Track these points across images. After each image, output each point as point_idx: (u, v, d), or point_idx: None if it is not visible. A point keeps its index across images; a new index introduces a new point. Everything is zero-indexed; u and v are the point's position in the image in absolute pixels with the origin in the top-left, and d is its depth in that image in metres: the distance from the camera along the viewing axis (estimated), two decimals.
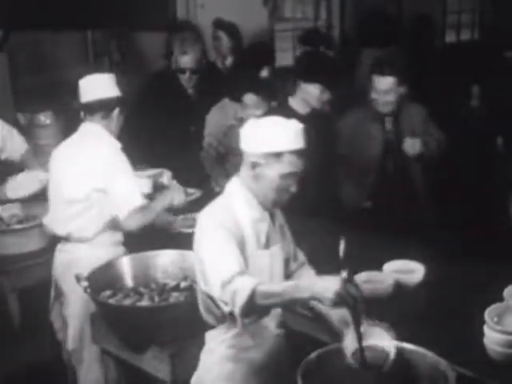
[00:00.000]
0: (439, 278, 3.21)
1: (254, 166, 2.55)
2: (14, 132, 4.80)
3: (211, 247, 2.53)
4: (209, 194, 4.60)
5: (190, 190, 4.69)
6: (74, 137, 3.74)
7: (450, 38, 9.17)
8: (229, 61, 5.98)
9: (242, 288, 2.38)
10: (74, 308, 3.63)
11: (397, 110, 4.41)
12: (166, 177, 4.81)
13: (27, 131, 5.49)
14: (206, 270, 2.54)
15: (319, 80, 4.18)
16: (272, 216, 2.72)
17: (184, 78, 5.15)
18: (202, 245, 2.58)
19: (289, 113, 4.02)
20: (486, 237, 4.42)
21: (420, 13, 7.68)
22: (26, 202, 4.46)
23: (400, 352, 2.54)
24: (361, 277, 3.23)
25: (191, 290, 3.31)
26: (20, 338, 4.13)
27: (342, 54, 7.63)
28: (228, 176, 4.33)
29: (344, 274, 2.33)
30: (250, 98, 4.53)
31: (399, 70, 4.38)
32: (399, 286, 3.21)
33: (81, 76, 3.79)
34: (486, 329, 2.67)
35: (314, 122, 3.92)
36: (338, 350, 2.54)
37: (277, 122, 2.58)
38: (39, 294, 3.77)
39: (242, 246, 2.55)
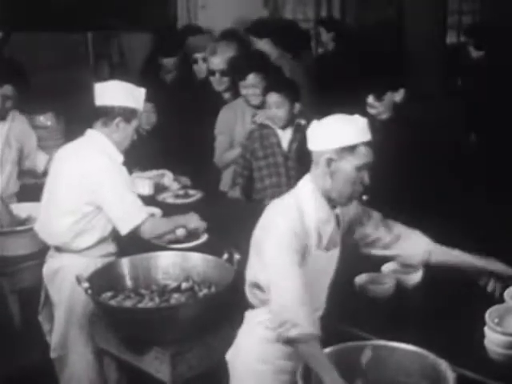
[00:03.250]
0: (439, 278, 3.20)
1: (330, 162, 2.62)
2: (34, 138, 4.74)
3: (277, 260, 2.58)
4: (210, 195, 4.64)
5: (192, 191, 4.70)
6: (77, 142, 3.62)
7: (451, 39, 9.17)
8: None
9: (298, 325, 2.47)
10: (59, 316, 3.60)
11: None
12: (167, 178, 4.82)
13: None
14: (270, 280, 2.60)
15: None
16: (338, 217, 2.77)
17: (214, 80, 4.98)
18: (267, 250, 2.63)
19: None
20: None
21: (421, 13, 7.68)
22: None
23: (399, 353, 2.55)
24: (361, 278, 3.23)
25: (192, 291, 3.31)
26: (20, 339, 4.13)
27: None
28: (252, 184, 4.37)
29: (359, 382, 2.47)
30: (271, 95, 4.26)
31: None
32: (399, 287, 3.21)
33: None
34: (486, 330, 2.67)
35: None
36: (338, 351, 2.54)
37: (343, 118, 2.67)
38: (39, 294, 3.76)
39: (304, 249, 2.63)
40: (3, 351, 4.11)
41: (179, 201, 4.60)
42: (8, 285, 4.11)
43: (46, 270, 3.65)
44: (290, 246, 2.58)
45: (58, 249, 3.60)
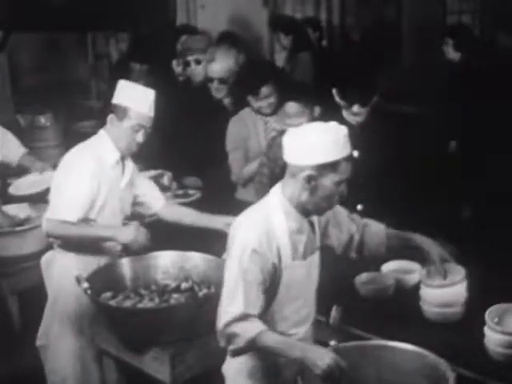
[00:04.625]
0: None
1: (310, 179, 2.51)
2: (9, 135, 4.69)
3: (230, 276, 2.56)
4: (208, 195, 4.63)
5: (191, 191, 4.70)
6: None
7: None
8: None
9: (243, 333, 2.47)
10: (47, 305, 3.62)
11: None
12: (166, 178, 4.81)
13: (27, 133, 5.50)
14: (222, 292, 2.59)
15: None
16: (312, 224, 2.73)
17: (212, 87, 4.82)
18: (227, 262, 2.61)
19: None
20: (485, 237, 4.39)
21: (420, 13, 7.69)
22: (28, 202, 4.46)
23: (399, 352, 2.55)
24: (361, 278, 3.23)
25: (192, 291, 3.30)
26: (20, 340, 4.13)
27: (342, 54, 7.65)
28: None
29: (332, 342, 2.44)
30: (290, 106, 4.06)
31: None
32: (398, 287, 3.21)
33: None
34: (486, 330, 2.67)
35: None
36: (337, 350, 2.54)
37: (323, 130, 2.53)
38: (39, 295, 3.76)
39: (277, 259, 2.58)
40: (3, 352, 4.11)
41: (178, 200, 4.59)
42: (7, 285, 4.11)
43: (43, 260, 3.66)
44: (247, 265, 2.52)
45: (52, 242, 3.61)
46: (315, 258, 2.75)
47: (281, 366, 2.67)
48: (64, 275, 3.45)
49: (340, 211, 2.86)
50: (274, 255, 2.56)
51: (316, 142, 2.49)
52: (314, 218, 2.73)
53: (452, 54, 5.98)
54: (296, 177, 2.54)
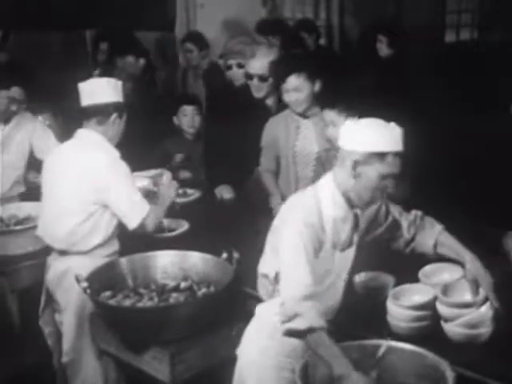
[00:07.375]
0: None
1: (356, 164, 2.62)
2: (51, 134, 4.71)
3: (291, 251, 2.61)
4: (208, 195, 4.63)
5: (190, 191, 4.69)
6: (70, 144, 3.60)
7: (450, 37, 9.19)
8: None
9: (306, 318, 2.48)
10: (68, 320, 3.55)
11: None
12: (165, 177, 4.80)
13: None
14: (281, 270, 2.64)
15: None
16: (357, 217, 2.79)
17: (252, 86, 4.56)
18: (283, 240, 2.65)
19: None
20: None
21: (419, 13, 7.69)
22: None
23: (399, 352, 2.55)
24: (360, 277, 3.23)
25: (191, 290, 3.31)
26: (19, 339, 4.13)
27: (341, 54, 7.65)
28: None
29: (374, 374, 2.46)
30: (326, 113, 3.71)
31: None
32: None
33: (79, 76, 3.74)
34: (390, 306, 2.84)
35: None
36: None
37: (379, 123, 2.66)
38: (39, 294, 3.76)
39: (320, 244, 2.65)
40: (2, 351, 4.11)
41: (178, 200, 4.58)
42: (8, 284, 4.11)
43: (52, 274, 3.59)
44: (306, 239, 2.59)
45: (64, 252, 3.55)
46: (351, 253, 2.81)
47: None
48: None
49: (393, 208, 2.98)
50: (318, 241, 2.64)
51: (369, 131, 2.62)
52: (359, 212, 2.80)
53: (385, 51, 6.11)
54: (344, 163, 2.65)
